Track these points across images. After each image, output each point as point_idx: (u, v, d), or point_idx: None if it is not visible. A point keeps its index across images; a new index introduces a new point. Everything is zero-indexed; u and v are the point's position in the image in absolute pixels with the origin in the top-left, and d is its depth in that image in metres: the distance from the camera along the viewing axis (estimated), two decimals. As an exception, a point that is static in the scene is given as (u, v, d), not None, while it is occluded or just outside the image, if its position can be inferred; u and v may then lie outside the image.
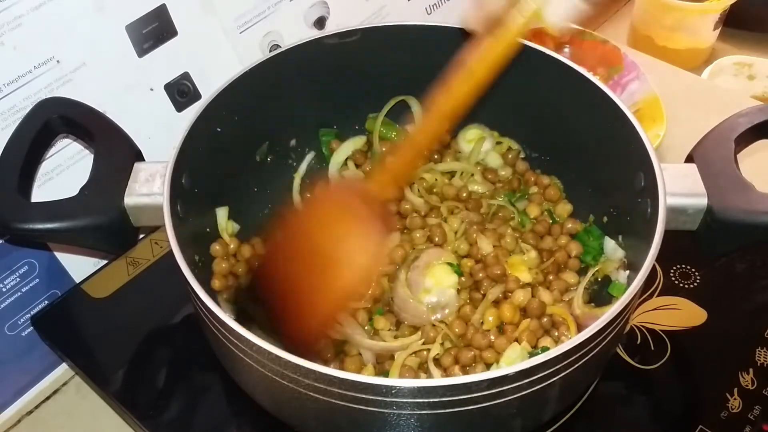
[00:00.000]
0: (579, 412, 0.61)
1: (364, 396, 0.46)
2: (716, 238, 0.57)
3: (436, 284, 0.62)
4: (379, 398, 0.45)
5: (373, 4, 0.85)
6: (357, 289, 0.52)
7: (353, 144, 0.76)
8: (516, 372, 0.45)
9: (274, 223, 0.55)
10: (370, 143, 0.76)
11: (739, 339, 0.66)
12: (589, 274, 0.65)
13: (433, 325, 0.61)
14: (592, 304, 0.64)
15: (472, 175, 0.73)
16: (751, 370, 0.63)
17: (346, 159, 0.75)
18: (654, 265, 0.55)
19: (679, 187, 0.56)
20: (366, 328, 0.62)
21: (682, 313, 0.68)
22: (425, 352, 0.59)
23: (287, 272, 0.52)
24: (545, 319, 0.61)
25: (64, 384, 0.70)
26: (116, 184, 0.57)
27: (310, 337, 0.52)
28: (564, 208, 0.70)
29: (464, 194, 0.70)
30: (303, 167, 0.76)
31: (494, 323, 0.61)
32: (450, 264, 0.64)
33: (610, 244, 0.66)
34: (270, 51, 0.76)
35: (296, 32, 0.79)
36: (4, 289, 0.66)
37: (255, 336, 0.47)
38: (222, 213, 0.66)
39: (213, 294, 0.63)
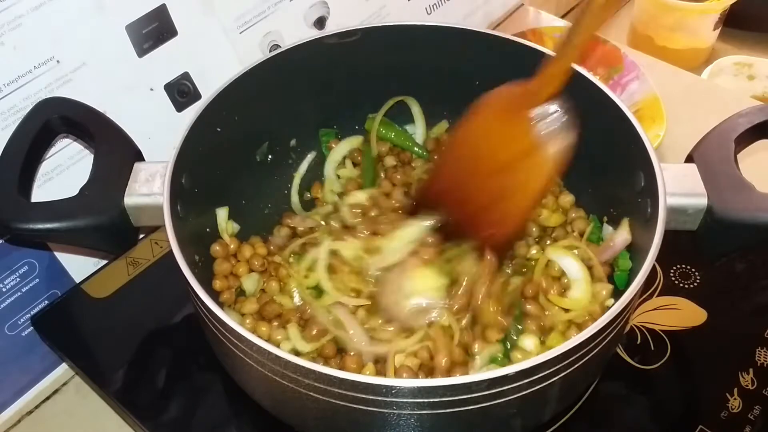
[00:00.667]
0: (579, 412, 0.61)
1: (364, 396, 0.46)
2: (716, 238, 0.57)
3: (422, 287, 0.61)
4: (379, 398, 0.45)
5: (373, 4, 0.85)
6: (546, 186, 0.57)
7: (349, 144, 0.76)
8: (516, 372, 0.45)
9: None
10: (369, 142, 0.76)
11: (739, 339, 0.66)
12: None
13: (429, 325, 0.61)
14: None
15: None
16: (751, 370, 0.63)
17: (344, 158, 0.75)
18: (654, 265, 0.55)
19: (679, 187, 0.56)
20: (366, 326, 0.62)
21: (682, 313, 0.68)
22: (423, 352, 0.59)
23: (470, 187, 0.58)
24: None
25: (64, 384, 0.70)
26: (116, 184, 0.57)
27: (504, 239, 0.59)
28: (565, 199, 0.70)
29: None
30: (303, 167, 0.76)
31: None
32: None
33: (608, 230, 0.66)
34: (270, 51, 0.76)
35: (296, 32, 0.79)
36: (4, 289, 0.66)
37: (255, 336, 0.47)
38: (222, 213, 0.66)
39: (213, 294, 0.63)
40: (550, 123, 0.55)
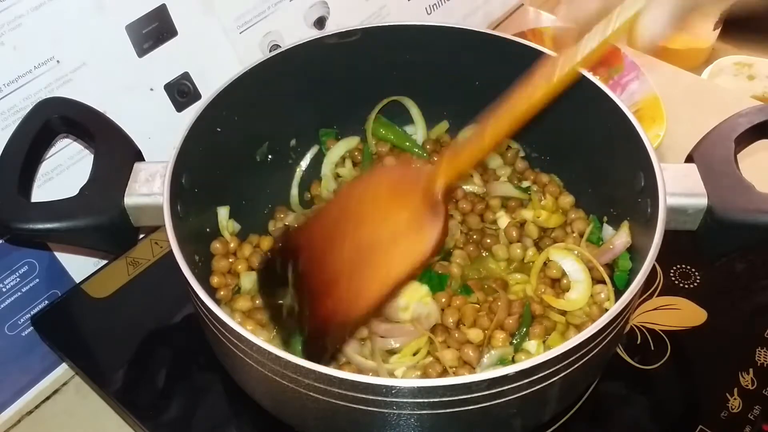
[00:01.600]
0: (579, 412, 0.61)
1: (364, 396, 0.46)
2: (716, 238, 0.57)
3: (409, 300, 0.61)
4: (379, 398, 0.45)
5: (373, 4, 0.85)
6: (406, 277, 0.54)
7: (346, 144, 0.76)
8: (516, 372, 0.45)
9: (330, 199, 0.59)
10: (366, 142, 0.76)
11: (739, 339, 0.66)
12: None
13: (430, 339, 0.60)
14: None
15: (471, 175, 0.73)
16: (751, 370, 0.63)
17: (344, 159, 0.75)
18: (654, 265, 0.55)
19: (679, 187, 0.56)
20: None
21: (682, 313, 0.68)
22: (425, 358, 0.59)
23: (332, 250, 0.54)
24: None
25: (64, 384, 0.70)
26: (116, 184, 0.57)
27: (344, 323, 0.54)
28: (565, 200, 0.70)
29: (460, 195, 0.71)
30: (303, 166, 0.76)
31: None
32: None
33: (608, 231, 0.66)
34: (270, 51, 0.76)
35: (296, 32, 0.79)
36: (4, 289, 0.66)
37: (255, 336, 0.47)
38: (223, 212, 0.66)
39: (212, 292, 0.63)
40: (433, 210, 0.53)
